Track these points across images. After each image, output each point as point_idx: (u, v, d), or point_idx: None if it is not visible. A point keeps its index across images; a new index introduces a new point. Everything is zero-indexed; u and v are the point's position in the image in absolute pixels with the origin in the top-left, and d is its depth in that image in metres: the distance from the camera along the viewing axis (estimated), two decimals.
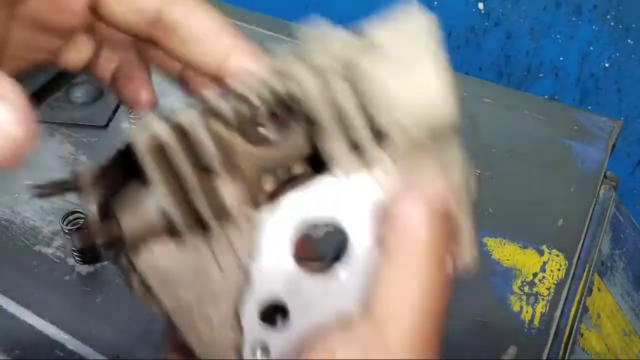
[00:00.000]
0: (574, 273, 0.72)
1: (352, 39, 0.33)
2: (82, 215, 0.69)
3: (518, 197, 0.81)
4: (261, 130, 0.29)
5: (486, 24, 1.53)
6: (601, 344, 0.72)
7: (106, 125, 0.89)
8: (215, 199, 0.29)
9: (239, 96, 0.30)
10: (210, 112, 0.30)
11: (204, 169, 0.29)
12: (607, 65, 1.43)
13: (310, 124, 0.29)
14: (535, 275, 0.71)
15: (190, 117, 0.30)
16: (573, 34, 1.43)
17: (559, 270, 0.72)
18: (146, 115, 0.30)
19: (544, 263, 0.73)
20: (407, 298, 0.29)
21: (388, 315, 0.29)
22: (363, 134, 0.29)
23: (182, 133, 0.29)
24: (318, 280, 0.30)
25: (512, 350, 0.64)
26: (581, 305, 0.70)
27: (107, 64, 0.39)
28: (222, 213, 0.29)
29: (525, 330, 0.66)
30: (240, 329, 0.30)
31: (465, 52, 1.60)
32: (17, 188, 0.81)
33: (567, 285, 0.71)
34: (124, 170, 0.30)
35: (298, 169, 0.31)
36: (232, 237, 0.29)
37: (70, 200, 0.79)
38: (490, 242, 0.75)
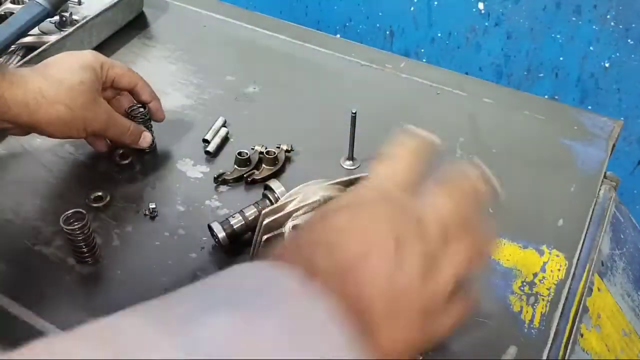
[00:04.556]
0: (574, 273, 0.72)
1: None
2: (82, 215, 0.69)
3: (518, 197, 0.80)
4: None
5: (486, 24, 1.53)
6: (601, 344, 0.72)
7: None
8: None
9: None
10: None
11: None
12: (607, 65, 1.43)
13: None
14: (535, 275, 0.71)
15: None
16: (573, 34, 1.43)
17: (559, 270, 0.72)
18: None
19: (544, 263, 0.73)
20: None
21: None
22: None
23: None
24: None
25: (512, 350, 0.64)
26: (581, 305, 0.70)
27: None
28: None
29: (525, 330, 0.66)
30: None
31: (465, 52, 1.60)
32: (17, 188, 0.81)
33: (567, 285, 0.71)
34: None
35: None
36: None
37: (71, 200, 0.79)
38: None
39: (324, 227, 0.43)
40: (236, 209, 0.74)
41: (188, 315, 0.33)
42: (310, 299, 0.36)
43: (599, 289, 0.75)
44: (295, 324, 0.34)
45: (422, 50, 1.66)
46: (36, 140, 0.87)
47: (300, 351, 0.33)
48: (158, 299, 0.35)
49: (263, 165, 0.83)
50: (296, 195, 0.63)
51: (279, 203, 0.64)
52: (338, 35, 1.70)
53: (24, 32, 0.96)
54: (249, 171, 0.82)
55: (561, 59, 1.48)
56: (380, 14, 1.64)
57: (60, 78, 0.74)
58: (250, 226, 0.72)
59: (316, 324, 0.34)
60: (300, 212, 0.63)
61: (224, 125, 0.89)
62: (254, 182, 0.81)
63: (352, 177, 0.65)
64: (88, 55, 0.79)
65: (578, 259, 0.74)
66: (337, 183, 0.64)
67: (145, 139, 0.83)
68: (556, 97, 1.54)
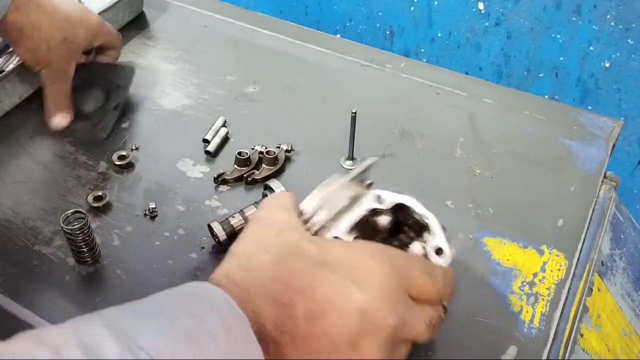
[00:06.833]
0: (574, 273, 0.72)
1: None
2: (82, 215, 0.69)
3: (518, 197, 0.81)
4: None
5: (486, 24, 1.53)
6: (601, 344, 0.72)
7: (106, 139, 0.87)
8: None
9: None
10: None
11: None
12: (607, 65, 1.43)
13: None
14: (535, 275, 0.71)
15: None
16: (573, 34, 1.43)
17: (559, 270, 0.72)
18: None
19: (544, 263, 0.73)
20: None
21: None
22: None
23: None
24: None
25: (512, 350, 0.64)
26: (581, 305, 0.70)
27: None
28: None
29: (525, 330, 0.66)
30: None
31: (465, 52, 1.60)
32: (17, 188, 0.81)
33: (567, 285, 0.71)
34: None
35: None
36: None
37: (71, 200, 0.79)
38: (490, 242, 0.75)
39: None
40: (236, 209, 0.74)
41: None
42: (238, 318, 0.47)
43: (599, 289, 0.75)
44: (228, 333, 0.45)
45: (422, 50, 1.66)
46: (36, 141, 0.87)
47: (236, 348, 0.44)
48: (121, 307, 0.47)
49: (263, 165, 0.83)
50: (319, 205, 0.60)
51: (305, 216, 0.59)
52: (338, 35, 1.71)
53: None
54: (249, 171, 0.82)
55: (561, 59, 1.48)
56: (380, 14, 1.64)
57: (61, 25, 0.84)
58: None
59: (242, 335, 0.46)
60: (335, 221, 0.60)
61: (224, 125, 0.89)
62: (254, 182, 0.81)
63: (363, 167, 0.65)
64: (94, 19, 0.90)
65: (578, 259, 0.74)
66: (354, 178, 0.63)
67: (54, 123, 0.88)
68: (556, 97, 1.54)
